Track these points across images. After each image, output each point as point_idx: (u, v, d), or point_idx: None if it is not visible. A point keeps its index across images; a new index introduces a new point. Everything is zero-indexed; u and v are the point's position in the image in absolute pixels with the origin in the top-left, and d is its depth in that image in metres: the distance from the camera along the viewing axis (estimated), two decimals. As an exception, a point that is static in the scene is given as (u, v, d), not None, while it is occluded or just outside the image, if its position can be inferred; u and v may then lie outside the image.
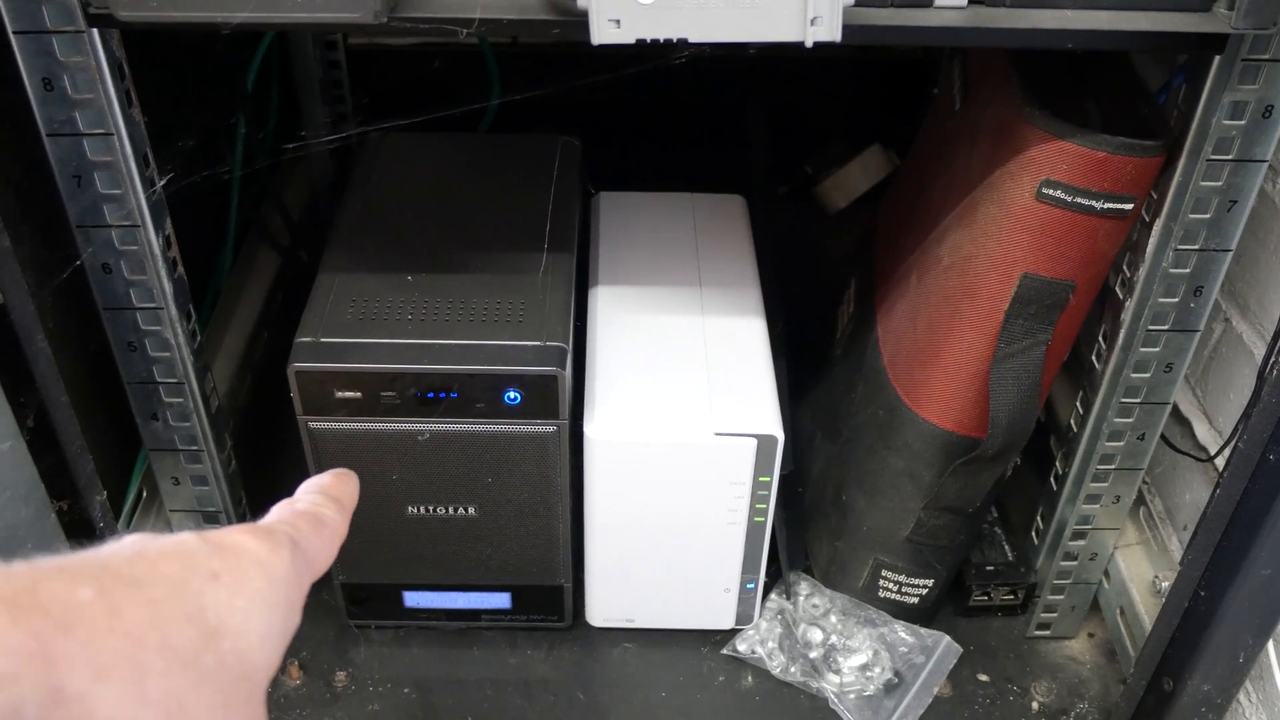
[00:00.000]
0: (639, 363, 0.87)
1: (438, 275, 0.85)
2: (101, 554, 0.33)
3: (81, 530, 0.80)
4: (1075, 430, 0.86)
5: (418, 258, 0.87)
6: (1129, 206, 0.73)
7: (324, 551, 0.41)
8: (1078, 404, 0.85)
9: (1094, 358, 0.82)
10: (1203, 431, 0.92)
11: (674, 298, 0.92)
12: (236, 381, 1.05)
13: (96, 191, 0.69)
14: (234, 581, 0.34)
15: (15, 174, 0.67)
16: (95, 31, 0.63)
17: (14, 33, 0.63)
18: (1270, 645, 0.79)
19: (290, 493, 0.46)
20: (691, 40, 0.58)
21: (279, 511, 0.42)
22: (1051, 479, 0.91)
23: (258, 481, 0.92)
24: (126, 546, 0.34)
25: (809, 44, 0.57)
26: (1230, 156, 0.70)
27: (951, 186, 0.84)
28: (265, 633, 0.35)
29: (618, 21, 0.57)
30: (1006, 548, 0.99)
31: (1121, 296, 0.78)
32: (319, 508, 0.43)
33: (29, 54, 0.64)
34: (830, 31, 0.57)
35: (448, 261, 0.87)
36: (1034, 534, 0.95)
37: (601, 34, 0.57)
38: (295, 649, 0.94)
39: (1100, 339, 0.82)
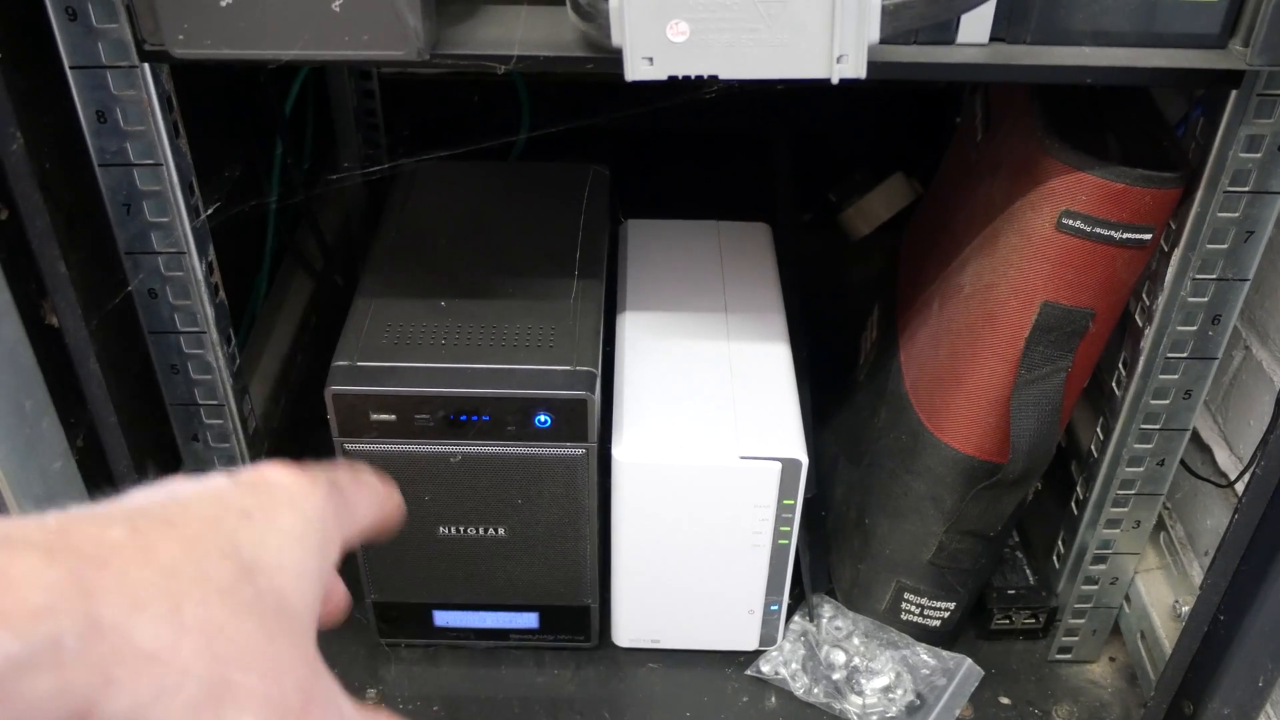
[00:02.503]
0: (666, 387, 0.88)
1: (471, 301, 0.88)
2: (134, 498, 0.33)
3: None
4: (1096, 455, 0.87)
5: (451, 284, 0.89)
6: (1148, 236, 0.75)
7: (363, 504, 0.41)
8: (1098, 430, 0.87)
9: (1114, 384, 0.84)
10: (1223, 458, 0.93)
11: (700, 323, 0.94)
12: (272, 404, 1.08)
13: (145, 220, 0.72)
14: (266, 519, 0.34)
15: (68, 202, 0.69)
16: (148, 66, 0.66)
17: (70, 68, 0.66)
18: (1290, 670, 0.80)
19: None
20: (722, 77, 0.60)
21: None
22: (1072, 504, 0.92)
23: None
24: (159, 491, 0.34)
25: (835, 81, 0.59)
26: (1247, 188, 0.71)
27: (973, 216, 0.86)
28: (300, 569, 0.34)
29: (651, 59, 0.59)
30: (1028, 571, 1.00)
31: (1141, 324, 0.80)
32: (359, 470, 0.42)
33: (84, 88, 0.67)
34: (856, 69, 0.59)
35: (480, 287, 0.89)
36: (1055, 558, 0.96)
37: (635, 71, 0.60)
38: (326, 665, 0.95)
39: (1120, 366, 0.83)
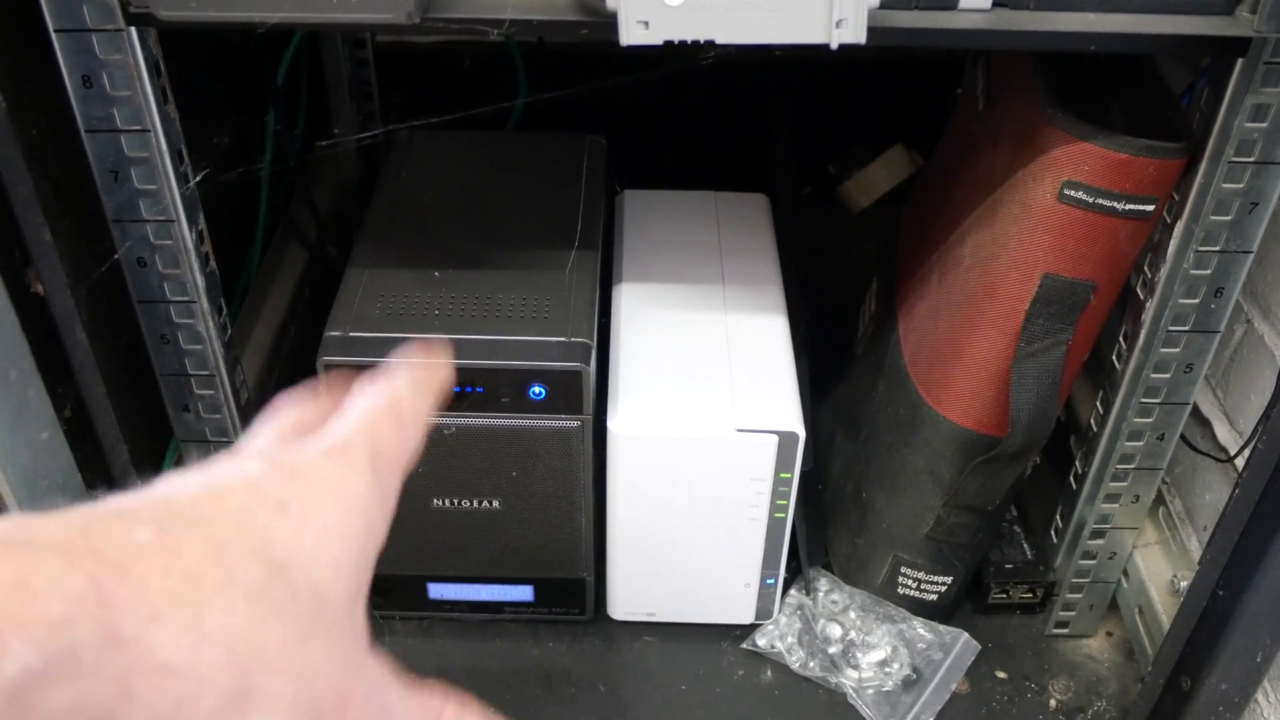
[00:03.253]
0: (662, 359, 0.88)
1: (465, 271, 0.87)
2: (167, 490, 0.32)
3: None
4: (1095, 430, 0.86)
5: (445, 254, 0.88)
6: (1150, 208, 0.74)
7: (406, 446, 0.39)
8: (1098, 404, 0.86)
9: (1114, 358, 0.83)
10: (1223, 432, 0.92)
11: (697, 295, 0.93)
12: (265, 374, 1.07)
13: (133, 187, 0.71)
14: (303, 512, 0.33)
15: (54, 170, 0.68)
16: (134, 30, 0.65)
17: (55, 30, 0.64)
18: (1288, 645, 0.80)
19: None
20: (719, 42, 0.59)
21: (358, 411, 0.38)
22: (1071, 478, 0.91)
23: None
24: (193, 481, 0.33)
25: (834, 46, 0.58)
26: (1252, 159, 0.70)
27: (974, 187, 0.85)
28: (339, 560, 0.33)
29: (646, 23, 0.58)
30: (1025, 546, 1.00)
31: (1142, 297, 0.79)
32: (399, 398, 0.39)
33: (69, 51, 0.65)
34: (856, 34, 0.58)
35: (475, 258, 0.88)
36: (1053, 533, 0.96)
37: (630, 35, 0.58)
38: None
39: (1121, 339, 0.82)
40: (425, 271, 0.87)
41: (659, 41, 0.59)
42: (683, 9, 0.58)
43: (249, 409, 0.87)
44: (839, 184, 1.34)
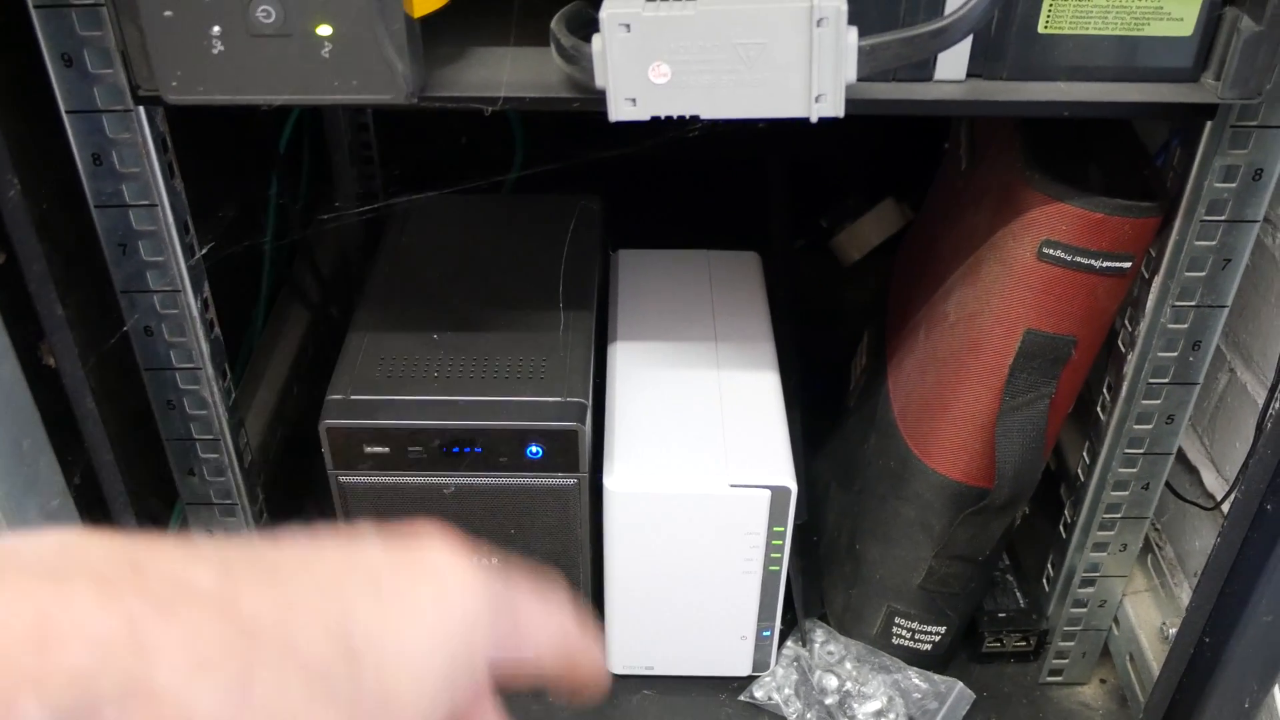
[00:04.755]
0: (656, 416, 0.90)
1: (463, 334, 0.89)
2: (266, 546, 0.28)
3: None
4: (1082, 479, 0.88)
5: (444, 317, 0.91)
6: (1128, 265, 0.76)
7: (539, 628, 0.33)
8: (1084, 453, 0.88)
9: (1099, 409, 0.85)
10: (1210, 479, 0.94)
11: (690, 353, 0.96)
12: (268, 435, 1.09)
13: (140, 259, 0.73)
14: (399, 602, 0.28)
15: (67, 243, 0.71)
16: (142, 110, 0.67)
17: (67, 112, 0.67)
18: (1277, 691, 0.81)
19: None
20: (704, 117, 0.62)
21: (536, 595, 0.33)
22: (1061, 527, 0.93)
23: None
24: (303, 541, 0.29)
25: (814, 119, 0.61)
26: (1223, 217, 0.72)
27: (958, 244, 0.87)
28: (423, 674, 0.28)
29: (634, 100, 0.61)
30: (1019, 594, 1.01)
31: (1124, 350, 0.81)
32: (548, 586, 0.34)
33: (80, 131, 0.68)
34: (834, 108, 0.60)
35: (472, 320, 0.90)
36: (1045, 581, 0.97)
37: (619, 112, 0.61)
38: None
39: (1105, 390, 0.84)
40: (424, 334, 0.89)
41: (646, 117, 0.62)
42: (668, 86, 0.60)
43: (253, 471, 0.89)
44: (831, 237, 1.37)
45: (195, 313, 0.76)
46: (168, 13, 0.60)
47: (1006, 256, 0.79)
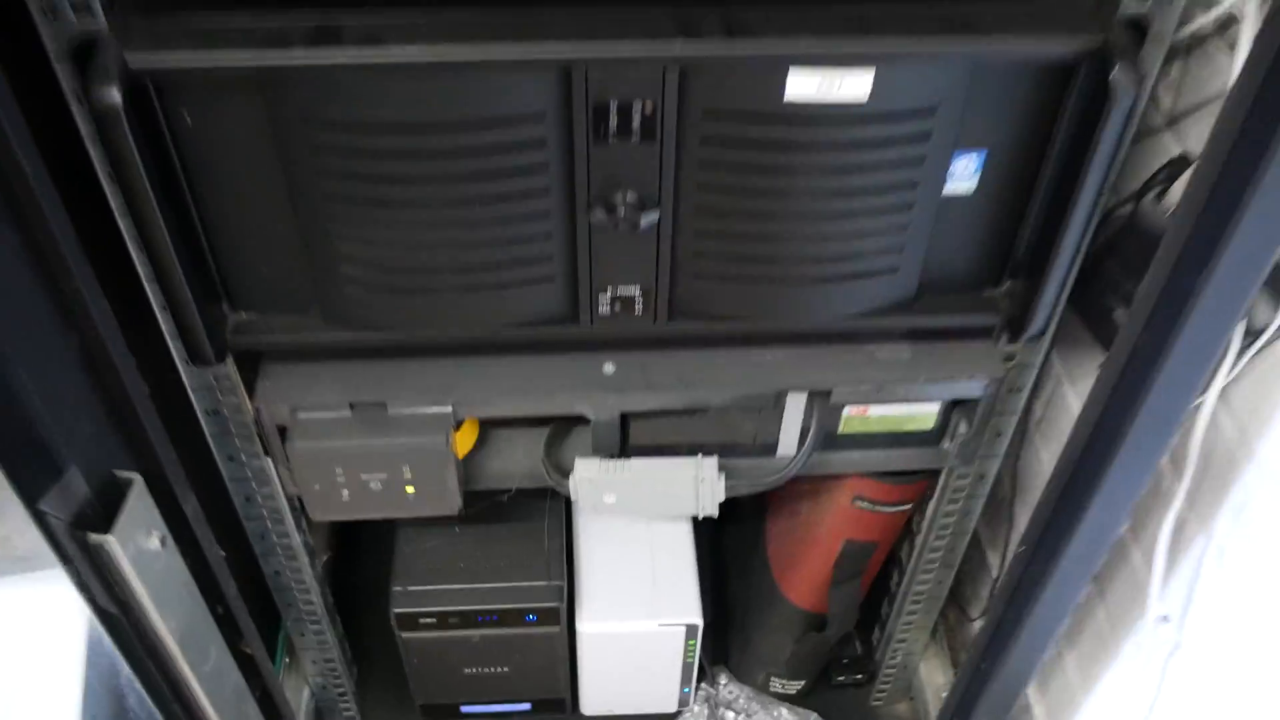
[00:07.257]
0: (610, 569, 1.33)
1: (476, 525, 1.31)
2: None
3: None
4: (889, 606, 1.34)
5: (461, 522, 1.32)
6: (908, 506, 1.20)
7: None
8: (886, 599, 1.34)
9: (895, 576, 1.30)
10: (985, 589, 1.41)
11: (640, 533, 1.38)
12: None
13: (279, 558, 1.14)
14: None
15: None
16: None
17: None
18: (1031, 695, 1.30)
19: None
20: (638, 514, 1.03)
21: None
22: (883, 607, 1.40)
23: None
24: None
25: (700, 517, 1.03)
26: (958, 506, 1.16)
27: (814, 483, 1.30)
28: None
29: (594, 504, 1.02)
30: (858, 644, 1.49)
31: (909, 546, 1.26)
32: None
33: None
34: (711, 510, 1.03)
35: (482, 513, 1.32)
36: (874, 639, 1.45)
37: (585, 508, 1.02)
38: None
39: (896, 569, 1.30)
40: (450, 529, 1.31)
41: (603, 511, 1.03)
42: (615, 505, 1.02)
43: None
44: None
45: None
46: (312, 473, 1.00)
47: (836, 498, 1.22)
